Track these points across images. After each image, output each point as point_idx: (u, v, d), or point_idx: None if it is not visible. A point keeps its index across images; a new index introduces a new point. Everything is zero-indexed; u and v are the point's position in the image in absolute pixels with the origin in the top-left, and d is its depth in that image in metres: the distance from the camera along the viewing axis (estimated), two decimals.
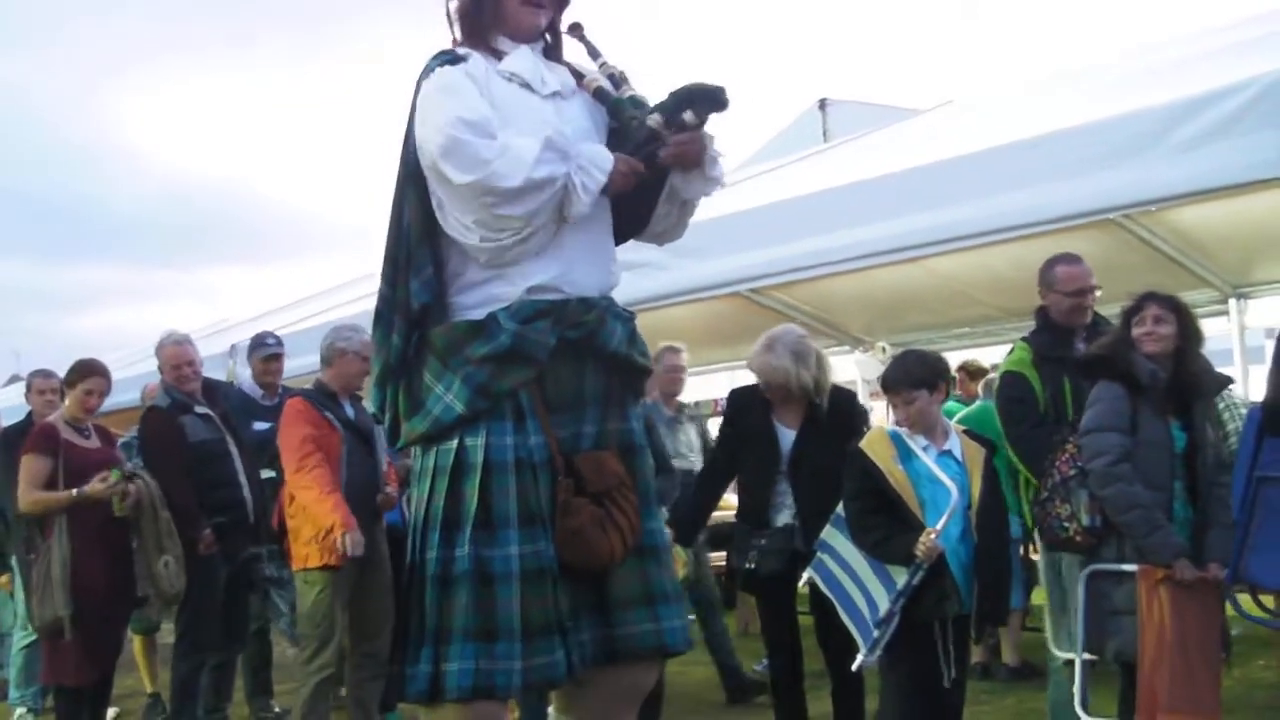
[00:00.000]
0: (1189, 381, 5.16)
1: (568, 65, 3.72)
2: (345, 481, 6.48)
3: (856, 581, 5.08)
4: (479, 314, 3.47)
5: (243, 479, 7.12)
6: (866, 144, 9.46)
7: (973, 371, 9.28)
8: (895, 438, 5.06)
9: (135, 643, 8.34)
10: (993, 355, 9.68)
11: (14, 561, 8.08)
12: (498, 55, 3.59)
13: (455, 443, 3.46)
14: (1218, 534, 5.05)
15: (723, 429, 6.42)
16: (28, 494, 6.69)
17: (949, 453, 5.04)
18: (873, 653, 4.91)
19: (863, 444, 5.12)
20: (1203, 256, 7.52)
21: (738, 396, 6.35)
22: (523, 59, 3.58)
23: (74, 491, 6.60)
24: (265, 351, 8.12)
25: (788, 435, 5.94)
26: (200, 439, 7.07)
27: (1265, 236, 7.06)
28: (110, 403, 7.60)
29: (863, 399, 9.25)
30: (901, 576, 4.84)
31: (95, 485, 6.60)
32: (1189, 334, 5.18)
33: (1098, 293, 5.78)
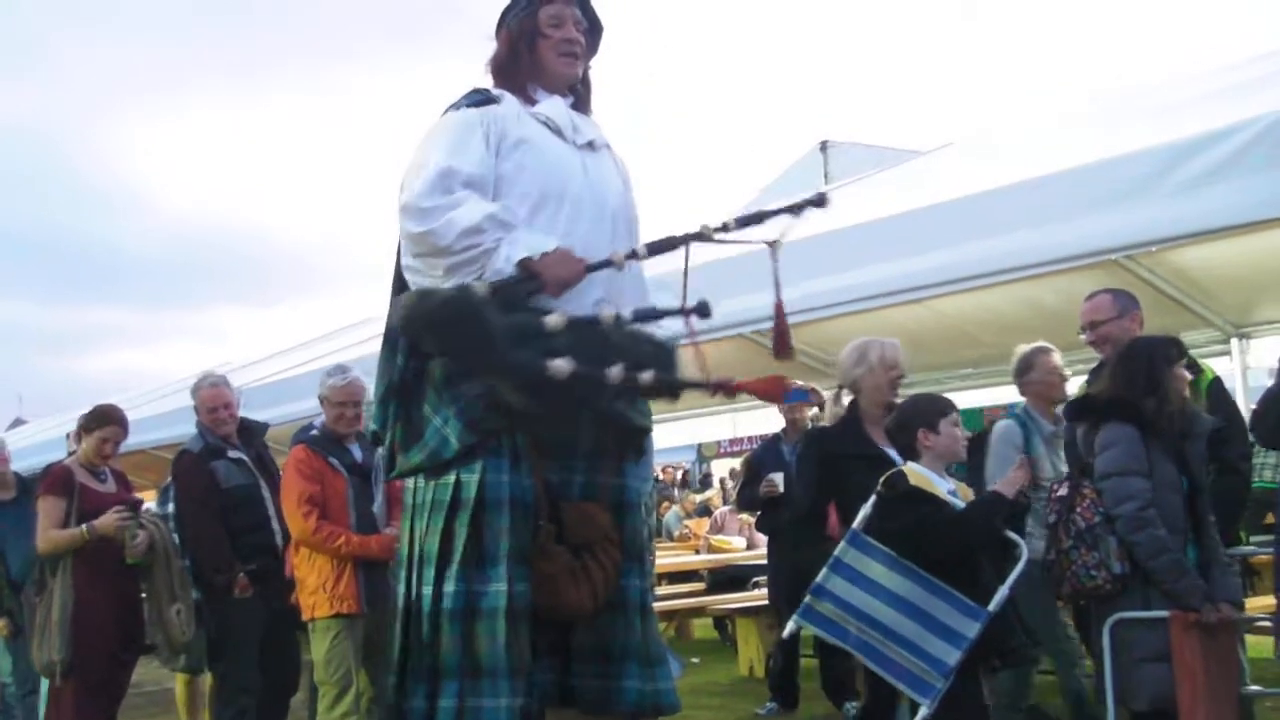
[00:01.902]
0: (1185, 424, 5.11)
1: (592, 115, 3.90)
2: (354, 524, 6.47)
3: (900, 634, 4.75)
4: None
5: (275, 524, 6.99)
6: (868, 185, 9.49)
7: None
8: (929, 474, 4.99)
9: (178, 684, 8.22)
10: (997, 396, 9.68)
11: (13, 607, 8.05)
12: (531, 102, 3.74)
13: (452, 477, 3.49)
14: (1221, 573, 5.02)
15: (803, 466, 6.23)
16: (44, 534, 6.71)
17: (953, 493, 5.00)
18: (934, 705, 4.62)
19: (916, 483, 4.99)
20: (1205, 297, 7.53)
21: (814, 431, 6.22)
22: (555, 107, 3.73)
23: (84, 528, 6.62)
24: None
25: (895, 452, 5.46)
26: (233, 484, 6.99)
27: (1267, 276, 7.07)
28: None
29: None
30: (957, 618, 4.65)
31: (108, 518, 6.62)
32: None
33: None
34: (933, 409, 5.11)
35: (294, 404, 9.02)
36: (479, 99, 3.68)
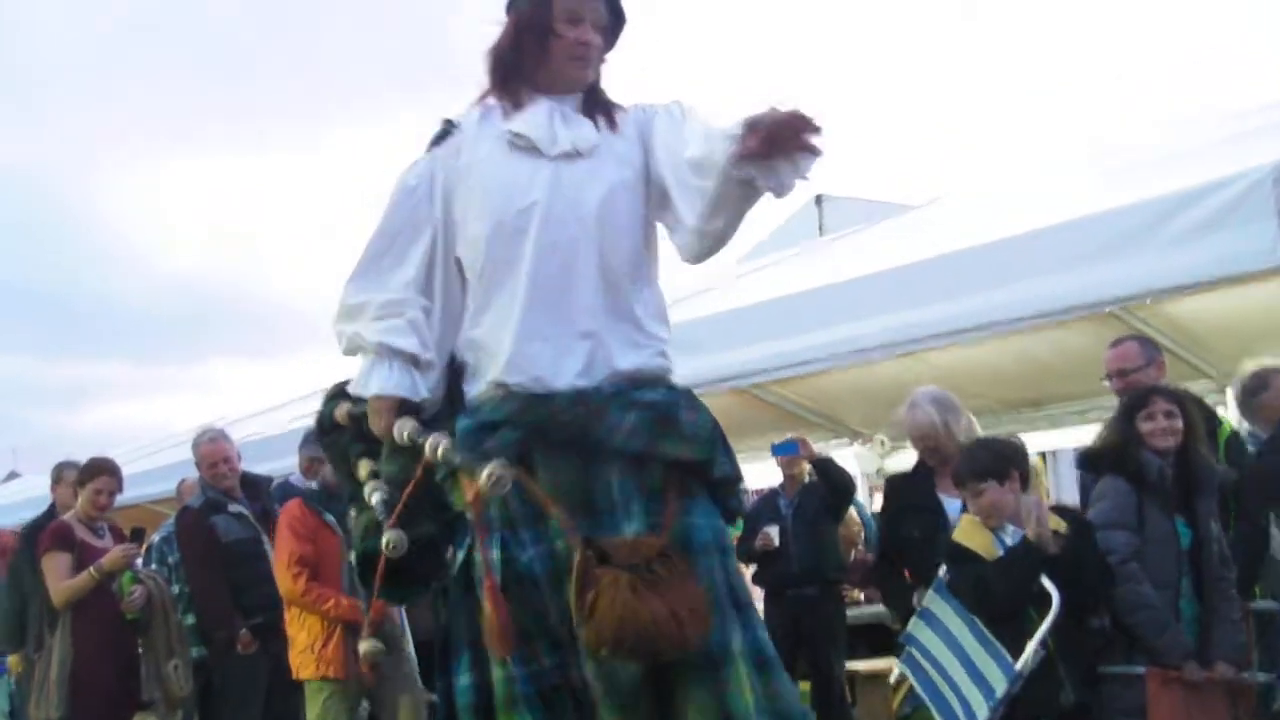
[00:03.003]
0: (1194, 476, 5.11)
1: (607, 110, 3.38)
2: (347, 585, 6.43)
3: (950, 677, 4.86)
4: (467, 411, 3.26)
5: None
6: (862, 239, 9.53)
7: None
8: (981, 529, 4.96)
9: None
10: None
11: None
12: (517, 107, 3.33)
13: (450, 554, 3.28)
14: (1224, 631, 4.99)
15: (881, 520, 6.21)
16: (55, 589, 6.69)
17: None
18: None
19: (956, 536, 5.02)
20: (1198, 347, 7.53)
21: (893, 480, 6.21)
22: (535, 116, 3.28)
23: (91, 569, 6.61)
24: (310, 451, 7.94)
25: (954, 506, 5.42)
26: (234, 538, 7.00)
27: (1260, 327, 7.08)
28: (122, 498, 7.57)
29: (862, 492, 9.24)
30: (993, 671, 4.66)
31: (114, 554, 6.62)
32: (1192, 428, 5.14)
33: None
34: (975, 472, 5.01)
35: (292, 458, 8.96)
36: (440, 134, 3.37)
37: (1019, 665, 4.62)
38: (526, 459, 3.09)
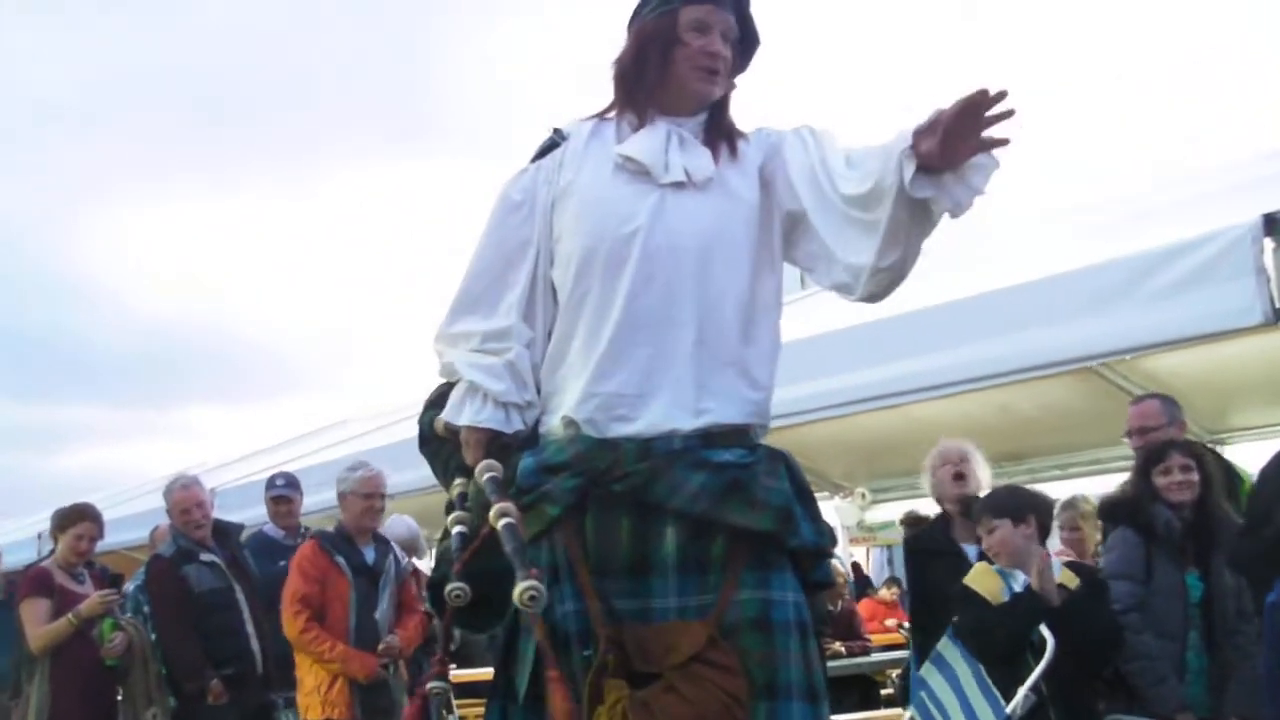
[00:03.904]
0: (1208, 530, 5.12)
1: (730, 137, 3.16)
2: (355, 627, 6.40)
3: (941, 705, 4.95)
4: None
5: (250, 628, 6.92)
6: None
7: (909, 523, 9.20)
8: (1001, 572, 4.98)
9: None
10: None
11: None
12: (640, 124, 3.12)
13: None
14: (1238, 687, 4.95)
15: (909, 580, 6.25)
16: (33, 634, 6.63)
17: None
18: None
19: (967, 579, 5.04)
20: (1179, 403, 7.56)
21: (913, 536, 6.22)
22: (650, 140, 3.07)
23: (70, 616, 6.56)
24: (274, 492, 7.97)
25: (973, 553, 5.45)
26: (206, 588, 6.92)
27: (1240, 383, 7.11)
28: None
29: (842, 545, 9.23)
30: (987, 714, 4.70)
31: (92, 600, 6.57)
32: (1210, 482, 5.16)
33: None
34: (991, 509, 5.08)
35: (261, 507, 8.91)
36: (546, 145, 3.17)
37: (1009, 709, 4.63)
38: (582, 507, 2.92)
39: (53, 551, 7.74)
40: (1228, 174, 7.63)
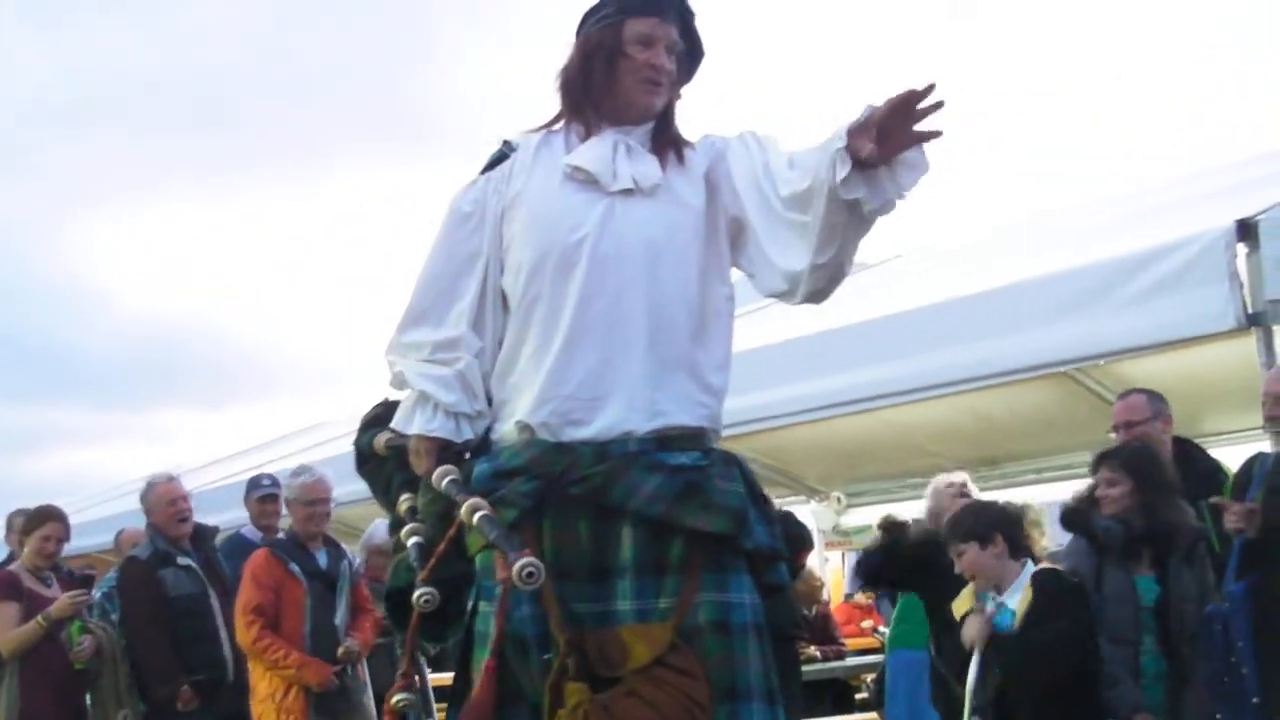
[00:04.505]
0: (1161, 533, 5.10)
1: (676, 145, 3.18)
2: (310, 633, 6.36)
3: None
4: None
5: (224, 635, 6.82)
6: None
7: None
8: (980, 595, 5.03)
9: None
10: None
11: None
12: (586, 134, 3.15)
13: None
14: (1194, 691, 4.99)
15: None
16: (4, 637, 6.58)
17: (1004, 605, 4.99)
18: None
19: (955, 605, 5.12)
20: None
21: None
22: (598, 149, 3.09)
23: (39, 618, 6.51)
24: (260, 492, 7.79)
25: None
26: (181, 592, 6.84)
27: (1213, 388, 7.13)
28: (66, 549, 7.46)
29: (818, 549, 9.23)
30: None
31: (62, 602, 6.53)
32: (1153, 487, 5.13)
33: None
34: (957, 533, 5.10)
35: (239, 510, 8.87)
36: (496, 156, 3.20)
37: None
38: (539, 511, 2.92)
39: (13, 555, 7.73)
40: (1202, 180, 7.68)
